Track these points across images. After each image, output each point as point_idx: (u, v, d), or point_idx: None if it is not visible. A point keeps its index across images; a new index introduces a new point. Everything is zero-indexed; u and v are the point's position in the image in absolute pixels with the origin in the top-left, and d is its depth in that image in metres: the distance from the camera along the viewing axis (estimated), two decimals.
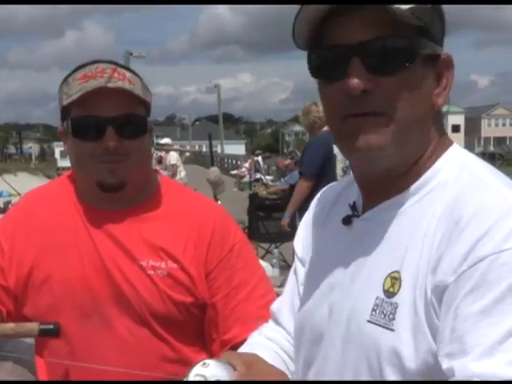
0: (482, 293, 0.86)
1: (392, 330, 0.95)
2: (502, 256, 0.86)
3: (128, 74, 1.57)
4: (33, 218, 1.68)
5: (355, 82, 0.97)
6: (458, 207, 0.93)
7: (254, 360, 1.11)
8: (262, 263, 6.09)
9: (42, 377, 1.65)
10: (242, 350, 1.29)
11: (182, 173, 12.11)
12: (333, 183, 1.28)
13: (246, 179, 24.01)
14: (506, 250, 0.86)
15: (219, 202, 6.18)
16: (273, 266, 5.76)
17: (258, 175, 22.78)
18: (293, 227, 6.23)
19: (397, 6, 0.94)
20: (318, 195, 1.29)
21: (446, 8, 1.03)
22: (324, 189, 1.29)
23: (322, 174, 5.46)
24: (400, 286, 0.96)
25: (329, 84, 1.02)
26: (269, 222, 9.05)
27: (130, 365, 1.56)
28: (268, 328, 1.32)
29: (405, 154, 1.02)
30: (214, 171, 6.91)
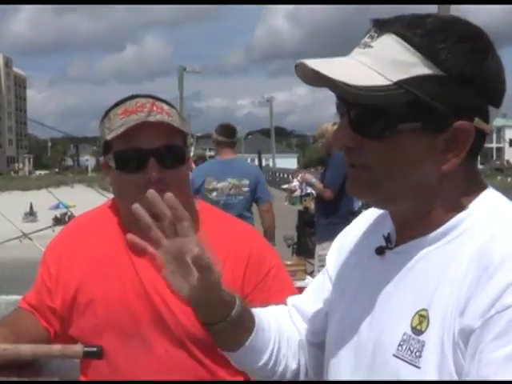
0: (508, 340, 0.87)
1: (418, 367, 0.96)
2: None
3: (166, 107, 1.65)
4: (78, 244, 1.76)
5: (339, 136, 1.04)
6: (489, 252, 0.94)
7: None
8: (310, 279, 6.11)
9: None
10: None
11: None
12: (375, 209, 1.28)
13: (297, 193, 23.93)
14: None
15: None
16: None
17: (309, 190, 22.71)
18: None
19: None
20: (360, 216, 1.30)
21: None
22: (366, 212, 1.30)
23: (342, 190, 5.75)
24: (428, 325, 0.97)
25: None
26: None
27: None
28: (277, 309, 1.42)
29: (411, 207, 1.05)
30: None
